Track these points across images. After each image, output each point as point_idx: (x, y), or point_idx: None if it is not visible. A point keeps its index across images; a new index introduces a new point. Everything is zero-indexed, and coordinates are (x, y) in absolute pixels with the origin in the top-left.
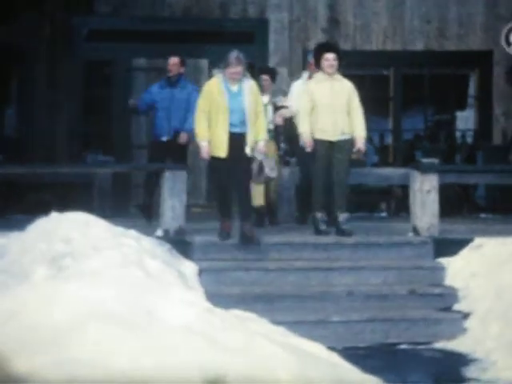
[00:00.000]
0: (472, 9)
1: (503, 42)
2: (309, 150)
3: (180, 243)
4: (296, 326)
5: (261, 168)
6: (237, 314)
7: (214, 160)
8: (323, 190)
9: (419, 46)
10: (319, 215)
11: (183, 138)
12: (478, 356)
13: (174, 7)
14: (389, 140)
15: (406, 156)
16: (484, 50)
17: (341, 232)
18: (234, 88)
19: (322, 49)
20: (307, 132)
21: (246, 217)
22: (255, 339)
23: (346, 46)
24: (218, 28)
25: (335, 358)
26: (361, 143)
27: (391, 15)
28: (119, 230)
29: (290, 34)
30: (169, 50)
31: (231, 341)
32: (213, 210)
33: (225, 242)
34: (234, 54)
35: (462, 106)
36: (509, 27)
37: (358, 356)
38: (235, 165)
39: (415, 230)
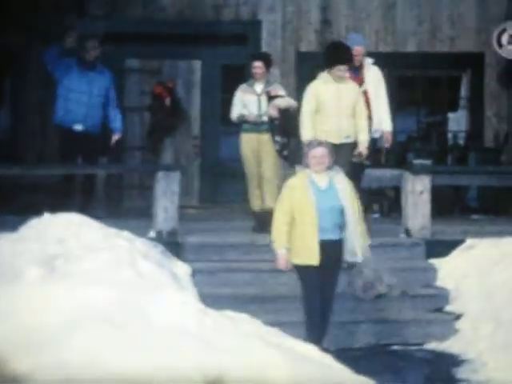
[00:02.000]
0: (464, 11)
1: (495, 44)
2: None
3: (173, 244)
4: (289, 327)
5: (372, 283)
6: (230, 314)
7: (301, 269)
8: None
9: (411, 47)
10: None
11: (116, 137)
12: (470, 357)
13: (167, 9)
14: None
15: (399, 157)
16: (476, 51)
17: None
18: (322, 184)
19: (336, 59)
20: (309, 137)
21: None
22: (248, 340)
23: None
24: (210, 30)
25: (328, 359)
26: (362, 147)
27: (383, 17)
28: (112, 231)
29: (283, 35)
30: (162, 52)
31: (224, 341)
32: (205, 210)
33: (217, 243)
34: (316, 140)
35: (454, 107)
36: (500, 29)
37: (350, 357)
38: (324, 278)
39: (407, 232)
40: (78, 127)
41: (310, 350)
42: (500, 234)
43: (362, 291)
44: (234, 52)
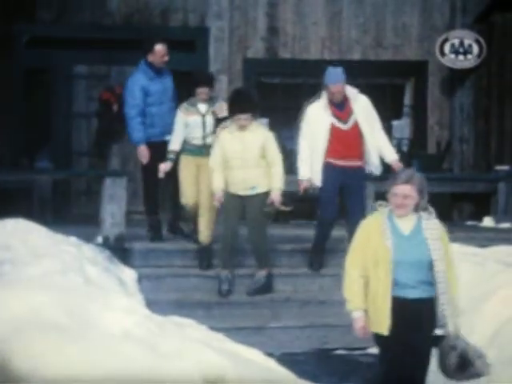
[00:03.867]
0: (408, 20)
1: (438, 53)
2: (217, 204)
3: (120, 250)
4: (234, 332)
5: (470, 362)
6: (175, 320)
7: (378, 338)
8: (232, 246)
9: (356, 55)
10: (224, 274)
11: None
12: None
13: (115, 15)
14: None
15: None
16: (419, 60)
17: (257, 290)
18: (406, 227)
19: (236, 107)
20: (218, 187)
21: None
22: (192, 345)
23: (284, 54)
24: (159, 36)
25: (272, 364)
26: (275, 195)
27: (329, 25)
28: (59, 236)
29: (230, 42)
30: (109, 58)
31: (168, 347)
32: None
33: (164, 248)
34: (405, 173)
35: (398, 115)
36: (443, 38)
37: (294, 362)
38: (409, 348)
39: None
40: (166, 137)
41: (254, 355)
42: None
43: (454, 371)
44: (181, 58)
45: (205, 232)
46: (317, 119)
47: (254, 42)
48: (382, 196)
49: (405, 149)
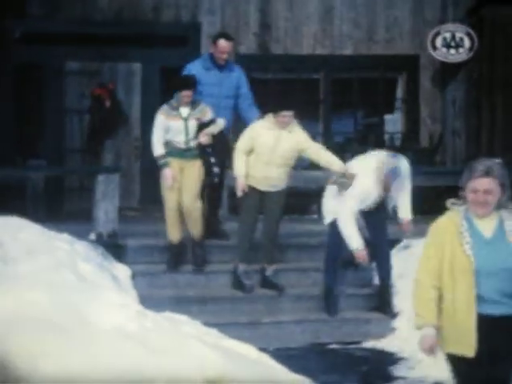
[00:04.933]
0: (399, 14)
1: (429, 47)
2: (240, 194)
3: (113, 246)
4: (228, 328)
5: None
6: (169, 316)
7: (454, 360)
8: (249, 239)
9: (348, 50)
10: (241, 267)
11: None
12: (406, 355)
13: (107, 10)
14: (319, 143)
15: None
16: (411, 54)
17: (269, 285)
18: (487, 229)
19: (281, 104)
20: (242, 173)
21: None
22: (186, 341)
23: (277, 49)
24: (150, 31)
25: (266, 359)
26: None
27: (321, 20)
28: (52, 233)
29: None
30: (101, 54)
31: (162, 343)
32: (146, 212)
33: (158, 245)
34: (484, 163)
35: (391, 109)
36: (435, 32)
37: (288, 357)
38: (490, 375)
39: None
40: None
41: (248, 350)
42: None
43: None
44: (173, 54)
45: (196, 232)
46: None
47: (247, 38)
48: None
49: (397, 143)
